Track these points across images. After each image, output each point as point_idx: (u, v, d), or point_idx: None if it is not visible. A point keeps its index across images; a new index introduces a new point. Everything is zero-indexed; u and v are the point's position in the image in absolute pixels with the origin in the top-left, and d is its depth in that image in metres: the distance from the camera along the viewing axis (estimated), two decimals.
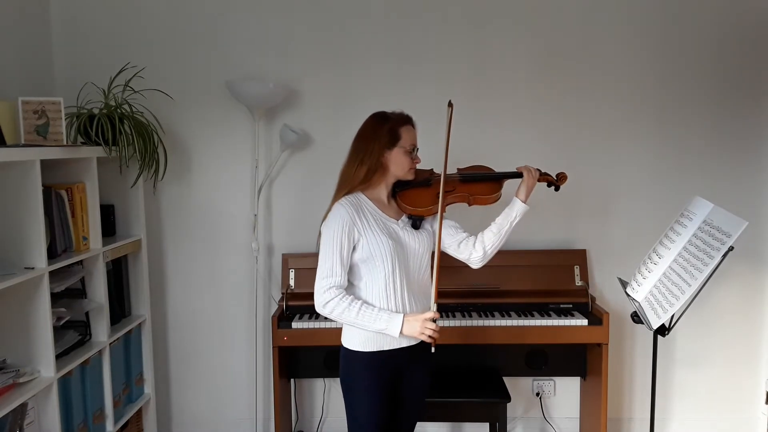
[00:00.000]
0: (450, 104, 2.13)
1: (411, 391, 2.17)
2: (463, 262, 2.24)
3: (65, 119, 2.40)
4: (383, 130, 2.06)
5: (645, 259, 2.41)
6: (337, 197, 2.07)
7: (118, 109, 2.66)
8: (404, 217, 2.14)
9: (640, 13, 3.08)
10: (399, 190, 2.15)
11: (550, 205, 3.01)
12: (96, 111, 2.62)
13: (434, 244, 2.13)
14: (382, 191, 2.12)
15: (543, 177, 2.26)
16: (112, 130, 2.56)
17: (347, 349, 2.10)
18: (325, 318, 2.82)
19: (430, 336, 1.98)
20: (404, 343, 2.07)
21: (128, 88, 2.72)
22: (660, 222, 2.82)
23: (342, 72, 3.11)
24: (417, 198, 2.13)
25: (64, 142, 2.38)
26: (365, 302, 2.01)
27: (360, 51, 3.10)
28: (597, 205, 3.17)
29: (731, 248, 2.02)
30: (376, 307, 2.02)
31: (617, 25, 3.08)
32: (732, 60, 3.10)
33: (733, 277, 3.14)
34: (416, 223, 2.13)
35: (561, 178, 2.31)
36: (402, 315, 1.99)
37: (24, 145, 2.26)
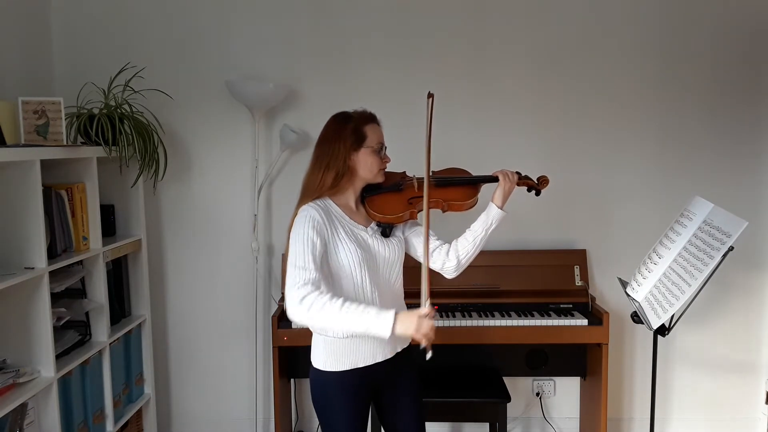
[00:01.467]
0: (430, 95, 1.97)
1: (401, 408, 2.03)
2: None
3: (65, 119, 2.41)
4: (347, 131, 1.90)
5: (645, 259, 2.41)
6: (301, 204, 1.92)
7: (118, 109, 2.66)
8: (373, 224, 1.98)
9: (641, 15, 3.07)
10: (367, 195, 2.00)
11: (550, 206, 3.00)
12: (96, 111, 2.62)
13: (405, 253, 2.04)
14: (350, 197, 1.97)
15: (523, 181, 2.11)
16: (112, 130, 2.56)
17: (317, 369, 1.92)
18: None
19: (426, 335, 1.72)
20: (380, 358, 1.92)
21: (128, 88, 2.73)
22: (660, 222, 2.82)
23: (342, 72, 3.11)
24: (387, 204, 1.99)
25: (64, 142, 2.38)
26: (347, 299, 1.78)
27: (360, 51, 3.10)
28: (597, 205, 3.17)
29: (731, 248, 2.02)
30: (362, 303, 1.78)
31: (618, 27, 3.08)
32: (731, 61, 3.10)
33: (733, 277, 3.14)
34: (386, 231, 1.98)
35: (542, 182, 2.13)
36: (393, 311, 1.72)
37: (24, 145, 2.26)
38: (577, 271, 3.06)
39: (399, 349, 2.00)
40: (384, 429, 2.10)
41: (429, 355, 1.73)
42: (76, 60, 3.09)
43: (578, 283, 3.04)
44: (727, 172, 3.16)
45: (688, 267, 2.14)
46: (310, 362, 1.96)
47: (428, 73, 3.10)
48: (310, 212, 1.86)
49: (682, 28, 3.08)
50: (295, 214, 1.91)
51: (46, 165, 2.24)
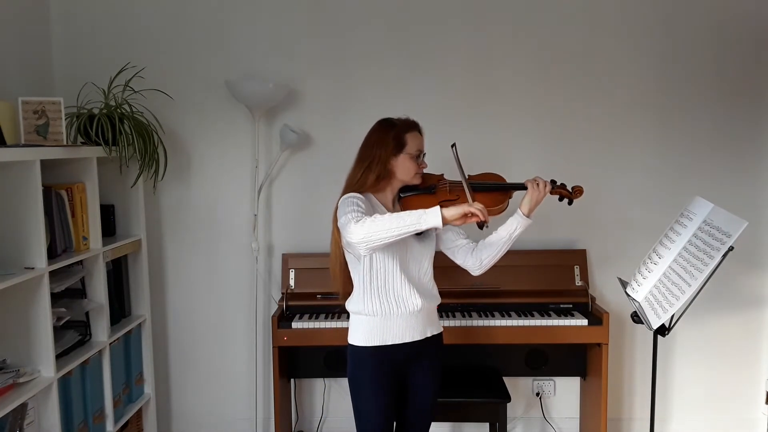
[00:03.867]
0: (453, 145, 2.09)
1: (418, 390, 2.18)
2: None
3: (65, 119, 2.40)
4: (389, 137, 2.07)
5: (645, 259, 2.41)
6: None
7: (118, 109, 2.65)
8: None
9: (641, 17, 3.07)
10: (403, 195, 2.15)
11: (550, 206, 3.00)
12: (96, 111, 2.62)
13: (434, 250, 2.18)
14: (388, 195, 2.15)
15: (556, 190, 2.20)
16: (112, 130, 2.56)
17: (352, 345, 2.12)
18: (326, 318, 2.85)
19: (479, 211, 1.83)
20: (407, 339, 2.08)
21: (128, 88, 2.72)
22: (660, 222, 2.81)
23: (342, 72, 3.11)
24: (419, 206, 2.03)
25: (64, 142, 2.38)
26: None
27: (360, 51, 3.10)
28: (597, 205, 3.16)
29: (731, 248, 2.02)
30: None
31: (618, 28, 3.08)
32: (731, 62, 3.09)
33: (733, 277, 3.13)
34: None
35: (576, 191, 2.21)
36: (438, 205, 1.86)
37: (24, 145, 2.26)
38: (577, 271, 3.06)
39: (429, 334, 2.14)
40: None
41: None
42: (76, 60, 3.09)
43: (578, 283, 3.04)
44: (727, 172, 3.16)
45: (688, 267, 2.14)
46: (347, 342, 2.14)
47: (429, 73, 3.10)
48: (354, 195, 2.02)
49: (683, 28, 3.08)
50: (338, 203, 2.04)
51: (46, 165, 2.24)
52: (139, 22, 3.09)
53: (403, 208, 2.11)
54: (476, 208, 1.83)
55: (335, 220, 2.06)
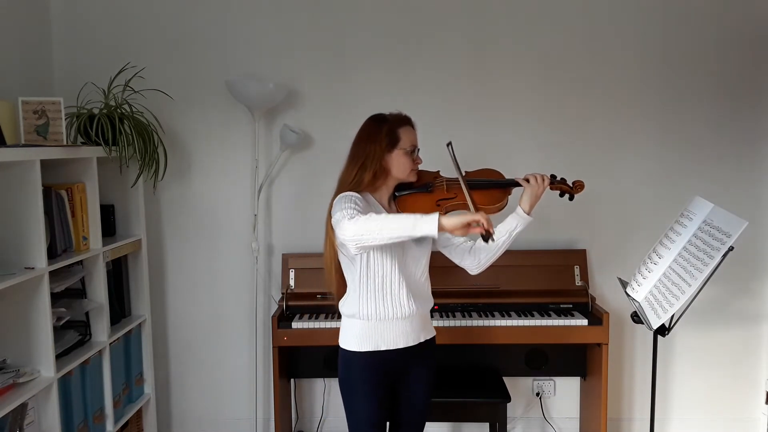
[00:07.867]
0: (448, 144, 2.02)
1: (411, 394, 2.14)
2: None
3: (65, 119, 2.41)
4: (382, 133, 2.01)
5: (645, 259, 2.41)
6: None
7: (118, 109, 2.66)
8: None
9: (641, 19, 3.07)
10: (398, 194, 2.09)
11: (550, 205, 3.00)
12: (96, 111, 2.62)
13: (431, 250, 2.13)
14: (384, 194, 2.09)
15: (556, 185, 2.14)
16: (112, 130, 2.56)
17: (344, 350, 2.07)
18: (325, 318, 2.85)
19: (485, 220, 1.73)
20: (401, 345, 2.04)
21: (128, 88, 2.72)
22: (660, 222, 2.82)
23: (342, 72, 3.12)
24: (415, 205, 2.04)
25: (64, 142, 2.38)
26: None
27: (360, 51, 3.10)
28: (597, 205, 3.17)
29: (731, 248, 2.02)
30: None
31: (618, 29, 3.08)
32: (731, 62, 3.09)
33: (733, 277, 3.13)
34: None
35: (577, 186, 2.15)
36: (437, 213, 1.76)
37: (24, 145, 2.26)
38: (577, 271, 3.06)
39: (422, 339, 2.10)
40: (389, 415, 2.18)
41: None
42: (76, 60, 3.09)
43: (578, 283, 3.04)
44: (727, 171, 3.16)
45: (688, 267, 2.14)
46: (339, 345, 2.10)
47: (429, 74, 3.10)
48: (351, 193, 1.96)
49: (683, 28, 3.08)
50: (332, 203, 1.98)
51: (46, 165, 2.24)
52: (139, 22, 3.09)
53: (399, 208, 2.08)
54: (481, 217, 1.73)
55: (329, 219, 1.99)
